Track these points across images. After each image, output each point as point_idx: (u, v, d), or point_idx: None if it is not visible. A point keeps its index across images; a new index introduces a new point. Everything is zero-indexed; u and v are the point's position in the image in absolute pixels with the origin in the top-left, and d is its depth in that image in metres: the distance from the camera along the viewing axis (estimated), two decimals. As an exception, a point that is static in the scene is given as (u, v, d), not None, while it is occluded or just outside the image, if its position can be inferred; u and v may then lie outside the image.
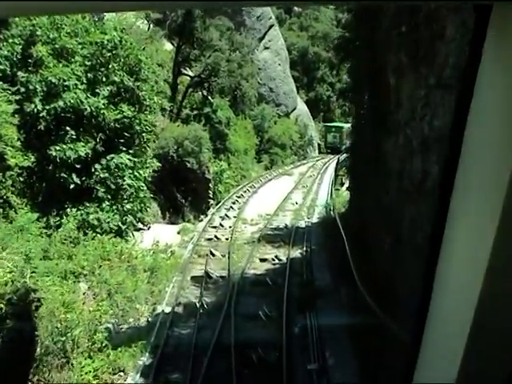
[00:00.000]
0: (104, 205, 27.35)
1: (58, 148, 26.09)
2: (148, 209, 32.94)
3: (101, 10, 3.13)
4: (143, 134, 30.98)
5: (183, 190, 44.60)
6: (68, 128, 26.75)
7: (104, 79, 28.61)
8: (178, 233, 32.18)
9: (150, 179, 36.41)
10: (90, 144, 27.17)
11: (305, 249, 25.76)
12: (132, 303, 18.68)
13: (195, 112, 57.37)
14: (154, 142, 43.78)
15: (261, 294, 20.33)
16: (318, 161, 76.11)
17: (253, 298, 20.06)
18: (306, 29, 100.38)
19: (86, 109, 27.01)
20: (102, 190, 27.65)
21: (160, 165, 35.61)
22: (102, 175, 27.66)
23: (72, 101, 26.25)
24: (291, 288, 20.76)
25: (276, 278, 21.75)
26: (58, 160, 26.10)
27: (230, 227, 31.43)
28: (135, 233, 31.34)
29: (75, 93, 26.50)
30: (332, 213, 33.55)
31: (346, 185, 62.63)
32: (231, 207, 38.94)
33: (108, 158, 27.94)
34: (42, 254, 20.94)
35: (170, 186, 43.76)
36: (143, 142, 31.24)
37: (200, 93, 58.82)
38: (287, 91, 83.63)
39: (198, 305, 19.60)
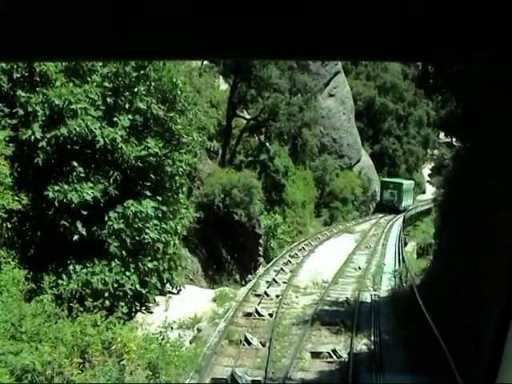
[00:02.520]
0: (114, 263, 20.87)
1: (56, 188, 19.85)
2: (179, 268, 26.43)
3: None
4: (176, 178, 24.64)
5: (229, 246, 38.15)
6: (75, 164, 20.55)
7: (126, 106, 22.46)
8: (214, 300, 25.43)
9: (187, 232, 30.16)
10: (100, 186, 20.84)
11: (373, 338, 18.63)
12: None
13: (250, 158, 51.28)
14: (198, 188, 37.67)
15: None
16: (381, 218, 68.86)
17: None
18: (373, 78, 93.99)
19: (98, 141, 20.82)
20: (115, 244, 21.25)
21: (196, 215, 29.18)
22: (116, 226, 21.28)
23: (78, 129, 20.08)
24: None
25: (333, 390, 14.91)
26: (56, 204, 19.85)
27: (278, 297, 24.58)
28: (160, 298, 24.83)
29: (83, 119, 20.29)
30: (404, 284, 26.41)
31: (412, 245, 55.57)
32: (282, 269, 32.06)
33: (125, 204, 21.56)
34: (11, 331, 14.56)
35: (214, 239, 37.41)
36: (176, 188, 24.80)
37: (256, 138, 52.71)
38: (351, 142, 77.09)
39: None
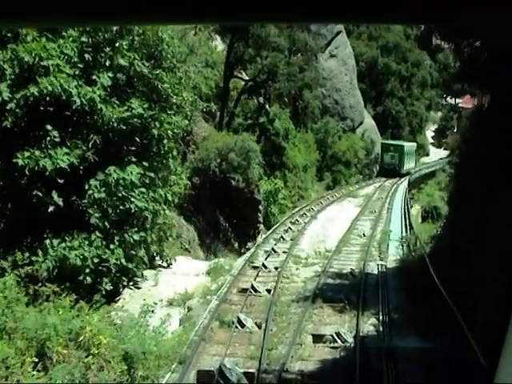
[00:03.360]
0: (94, 236, 18.77)
1: (27, 155, 17.66)
2: (170, 239, 24.32)
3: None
4: (164, 141, 22.39)
5: (227, 212, 36.04)
6: (48, 127, 18.32)
7: (107, 63, 20.16)
8: (208, 273, 23.34)
9: (182, 199, 28.09)
10: (77, 151, 18.65)
11: (381, 318, 16.50)
12: None
13: (249, 121, 48.91)
14: (194, 152, 35.41)
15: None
16: (385, 181, 66.62)
17: None
18: (375, 39, 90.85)
19: (74, 101, 18.59)
20: (96, 215, 19.14)
21: (192, 181, 26.97)
22: (96, 195, 19.16)
23: (50, 88, 17.81)
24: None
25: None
26: (27, 172, 17.69)
27: (277, 269, 22.48)
28: (150, 272, 22.80)
29: (55, 77, 18.01)
30: (413, 253, 24.31)
31: (416, 208, 53.23)
32: (282, 237, 29.89)
33: (107, 171, 19.40)
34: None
35: (211, 206, 35.29)
36: (164, 152, 22.57)
37: (255, 100, 50.24)
38: (354, 104, 74.40)
39: None
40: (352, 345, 14.27)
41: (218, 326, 15.69)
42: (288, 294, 19.02)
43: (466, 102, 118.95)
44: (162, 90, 21.75)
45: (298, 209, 42.14)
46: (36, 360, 10.91)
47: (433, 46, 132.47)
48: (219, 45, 52.35)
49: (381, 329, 15.66)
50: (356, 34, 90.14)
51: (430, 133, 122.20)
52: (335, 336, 14.72)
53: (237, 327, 15.40)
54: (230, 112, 48.21)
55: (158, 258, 23.93)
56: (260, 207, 37.33)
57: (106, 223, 19.40)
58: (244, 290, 19.33)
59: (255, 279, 20.74)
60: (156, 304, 19.29)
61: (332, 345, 14.46)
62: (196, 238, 33.12)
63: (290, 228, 33.08)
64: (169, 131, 22.34)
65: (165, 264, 24.00)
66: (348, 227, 33.22)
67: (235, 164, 33.82)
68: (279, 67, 45.19)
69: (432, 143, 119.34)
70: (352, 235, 31.17)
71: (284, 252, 26.01)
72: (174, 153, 23.77)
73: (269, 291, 19.33)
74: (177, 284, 21.86)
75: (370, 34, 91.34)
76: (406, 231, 31.35)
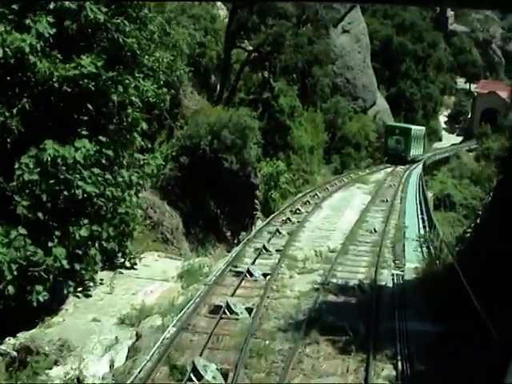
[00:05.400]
0: (15, 233, 13.84)
1: None
2: (135, 232, 19.28)
3: None
4: (129, 111, 17.31)
5: (218, 198, 30.97)
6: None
7: (50, 5, 15.07)
8: (181, 277, 18.30)
9: (165, 182, 23.30)
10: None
11: (401, 366, 11.49)
12: None
13: (252, 96, 43.74)
14: (182, 128, 30.26)
15: None
16: (397, 166, 61.50)
17: None
18: (391, 17, 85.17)
19: (-6, 52, 13.53)
20: (25, 203, 14.17)
21: (162, 163, 21.80)
22: (26, 176, 14.18)
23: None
24: None
25: None
26: None
27: (266, 276, 17.46)
28: (108, 275, 17.85)
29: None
30: (438, 260, 19.21)
31: (428, 195, 47.67)
32: (278, 231, 24.77)
33: (41, 146, 14.41)
34: None
35: (200, 190, 30.22)
36: (128, 124, 17.51)
37: (260, 74, 44.95)
38: (366, 84, 69.33)
39: None
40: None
41: (165, 375, 10.67)
42: (274, 318, 13.96)
43: (481, 87, 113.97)
44: (125, 46, 16.66)
45: (300, 195, 37.03)
46: None
47: (448, 30, 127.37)
48: (224, 14, 47.26)
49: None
50: (370, 12, 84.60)
51: (442, 118, 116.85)
52: (334, 401, 9.66)
53: (191, 379, 10.33)
54: (232, 86, 43.07)
55: (120, 256, 18.98)
56: (257, 193, 32.36)
57: (40, 214, 14.44)
58: (217, 309, 14.31)
59: (234, 292, 15.67)
60: (98, 324, 14.37)
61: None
62: (181, 226, 28.14)
63: (288, 219, 27.98)
64: (134, 98, 17.27)
65: (128, 264, 18.98)
66: (356, 220, 28.12)
67: (228, 143, 28.76)
68: (286, 37, 40.00)
69: (444, 128, 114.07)
70: (361, 230, 26.07)
71: (278, 251, 20.96)
72: (143, 125, 18.54)
73: (250, 311, 14.30)
74: (138, 292, 16.94)
75: (386, 12, 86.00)
76: (425, 227, 26.20)
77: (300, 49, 41.90)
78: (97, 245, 16.63)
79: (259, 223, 31.81)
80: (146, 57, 18.15)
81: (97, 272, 17.13)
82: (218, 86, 41.73)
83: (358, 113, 65.95)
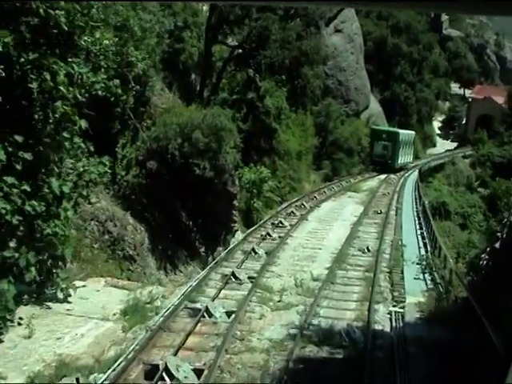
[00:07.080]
0: None
1: None
2: (68, 257, 15.30)
3: None
4: (57, 104, 13.37)
5: (191, 208, 26.99)
6: None
7: None
8: (124, 314, 14.30)
9: (130, 190, 19.49)
10: None
11: None
12: None
13: (235, 96, 39.69)
14: (149, 129, 26.26)
15: None
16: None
17: None
18: (385, 18, 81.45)
19: None
20: None
21: (108, 171, 17.71)
22: None
23: None
24: None
25: None
26: None
27: (229, 316, 13.59)
28: (30, 312, 13.84)
29: None
30: (446, 293, 15.34)
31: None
32: (254, 250, 20.89)
33: None
34: None
35: (170, 200, 26.30)
36: (54, 120, 13.57)
37: (244, 73, 41.00)
38: (359, 86, 65.73)
39: None
40: None
41: None
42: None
43: (476, 93, 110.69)
44: (48, 19, 12.73)
45: (285, 205, 33.18)
46: None
47: (442, 35, 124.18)
48: (207, 8, 43.41)
49: None
50: (364, 12, 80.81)
51: (436, 123, 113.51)
52: None
53: None
54: (214, 84, 39.21)
55: (50, 287, 15.00)
56: (235, 202, 28.39)
57: None
58: (154, 370, 10.39)
59: (183, 344, 11.71)
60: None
61: None
62: (146, 241, 24.22)
63: (268, 234, 24.14)
64: (65, 88, 13.34)
65: (61, 295, 15.00)
66: (346, 236, 24.30)
67: (201, 146, 24.80)
68: (271, 31, 36.00)
69: (438, 134, 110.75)
70: (351, 249, 22.25)
71: (250, 278, 17.05)
72: (84, 124, 14.53)
73: (199, 374, 10.39)
74: (65, 335, 12.98)
75: (380, 12, 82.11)
76: (426, 247, 22.39)
77: (287, 44, 37.93)
78: (10, 276, 12.71)
79: (238, 235, 28.15)
80: (84, 38, 14.25)
81: (11, 310, 13.15)
82: (199, 85, 37.97)
83: (350, 116, 62.59)
